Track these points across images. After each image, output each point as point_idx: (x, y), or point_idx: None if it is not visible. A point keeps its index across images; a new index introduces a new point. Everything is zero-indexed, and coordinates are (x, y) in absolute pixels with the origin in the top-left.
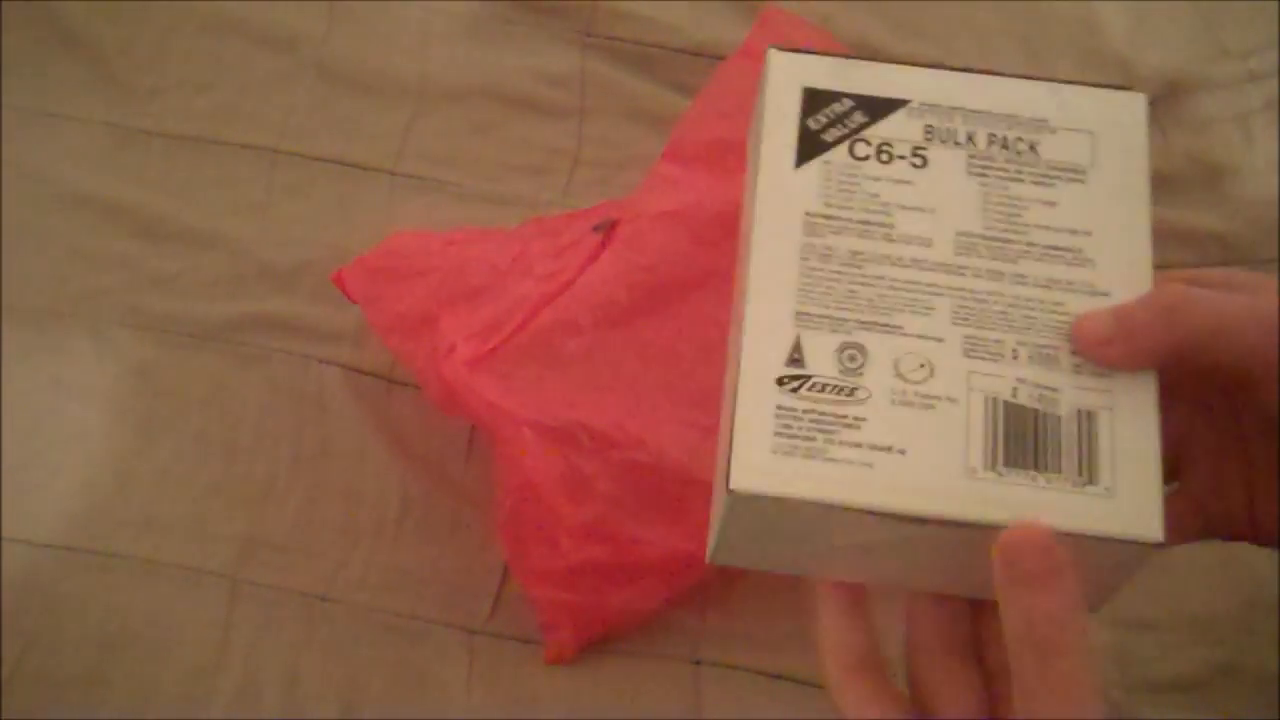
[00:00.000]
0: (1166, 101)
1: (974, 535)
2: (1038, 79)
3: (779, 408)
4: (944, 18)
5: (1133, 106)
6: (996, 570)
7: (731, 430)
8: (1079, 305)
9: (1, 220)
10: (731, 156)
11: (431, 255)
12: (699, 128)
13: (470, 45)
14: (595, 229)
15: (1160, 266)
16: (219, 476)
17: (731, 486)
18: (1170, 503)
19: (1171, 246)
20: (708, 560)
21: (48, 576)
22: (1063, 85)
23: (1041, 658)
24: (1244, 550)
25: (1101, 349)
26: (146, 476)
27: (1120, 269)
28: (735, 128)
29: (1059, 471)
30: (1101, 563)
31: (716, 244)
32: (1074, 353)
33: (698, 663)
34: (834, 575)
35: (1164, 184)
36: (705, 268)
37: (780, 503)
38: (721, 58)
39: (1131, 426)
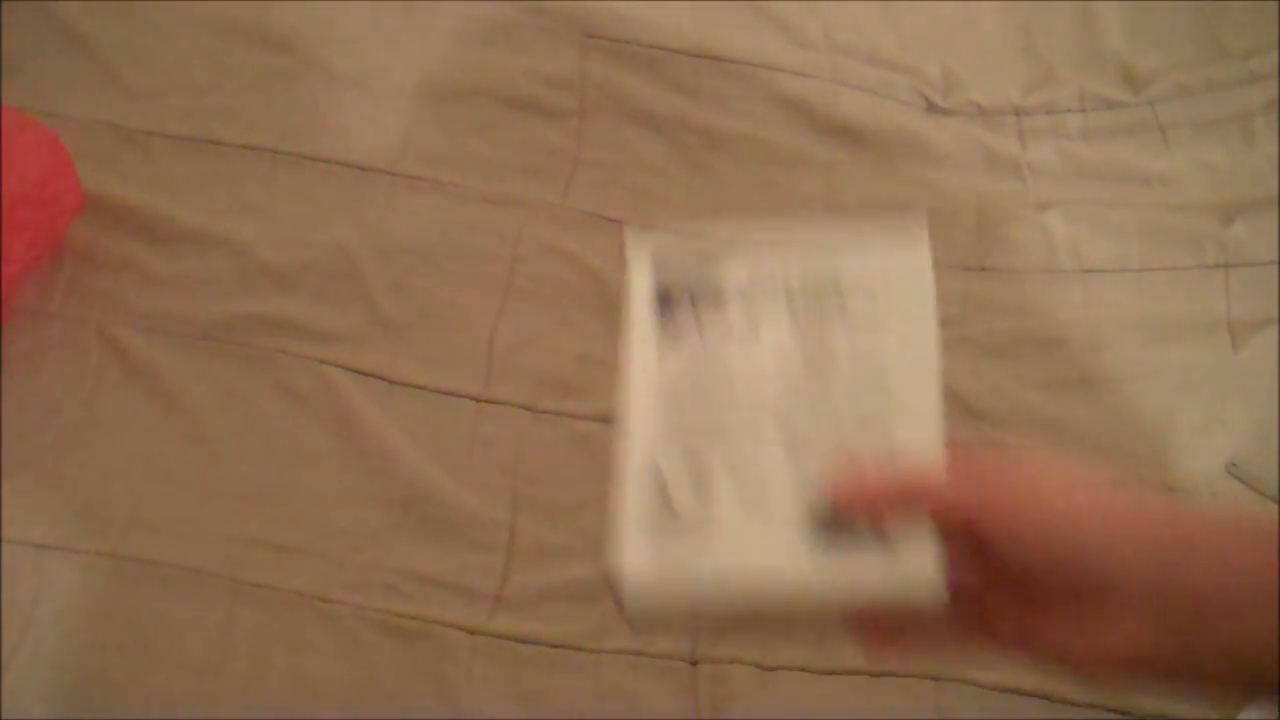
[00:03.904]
0: (1167, 102)
1: None
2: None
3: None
4: (944, 19)
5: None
6: None
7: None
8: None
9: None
10: None
11: None
12: None
13: (470, 45)
14: None
15: (1151, 270)
16: (220, 477)
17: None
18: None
19: (1173, 248)
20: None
21: (49, 577)
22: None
23: None
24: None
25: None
26: (148, 477)
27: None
28: None
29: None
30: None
31: None
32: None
33: (695, 663)
34: None
35: (1164, 185)
36: None
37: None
38: (721, 60)
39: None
